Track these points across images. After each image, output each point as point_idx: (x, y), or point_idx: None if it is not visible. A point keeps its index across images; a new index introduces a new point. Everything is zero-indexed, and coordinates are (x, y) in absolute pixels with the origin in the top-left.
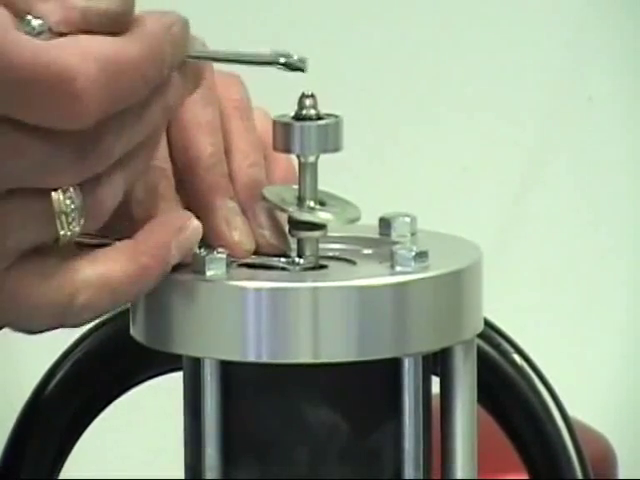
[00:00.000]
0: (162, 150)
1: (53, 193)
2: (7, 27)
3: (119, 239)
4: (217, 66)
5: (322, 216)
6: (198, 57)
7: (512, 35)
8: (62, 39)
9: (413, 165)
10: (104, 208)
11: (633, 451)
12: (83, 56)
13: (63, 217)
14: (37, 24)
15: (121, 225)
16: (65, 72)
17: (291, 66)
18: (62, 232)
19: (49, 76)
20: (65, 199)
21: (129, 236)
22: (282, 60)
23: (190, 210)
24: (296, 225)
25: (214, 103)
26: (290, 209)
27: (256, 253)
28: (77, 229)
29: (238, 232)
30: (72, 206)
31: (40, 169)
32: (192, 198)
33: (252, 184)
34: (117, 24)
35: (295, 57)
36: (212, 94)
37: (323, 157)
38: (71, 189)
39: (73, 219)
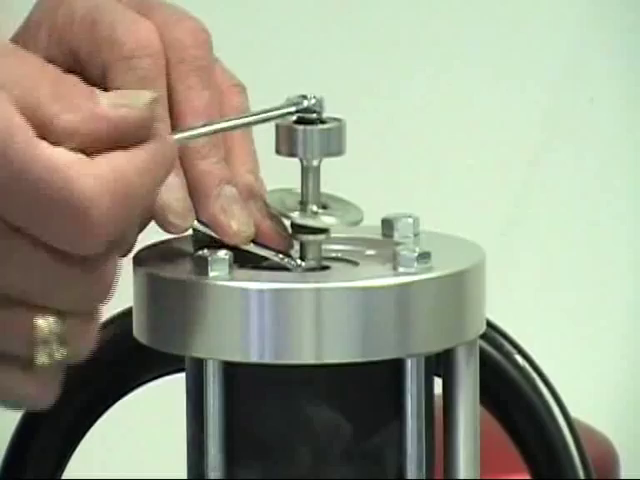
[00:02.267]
0: None
1: (39, 320)
2: (27, 138)
3: None
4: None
5: (325, 221)
6: (221, 130)
7: (514, 36)
8: (79, 158)
9: (416, 166)
10: (89, 337)
11: (635, 451)
12: (99, 185)
13: (43, 345)
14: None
15: None
16: (80, 200)
17: (309, 110)
18: (40, 360)
19: (63, 200)
20: (49, 326)
21: None
22: (300, 107)
23: (190, 198)
24: (299, 229)
25: (211, 87)
26: (293, 215)
27: (261, 245)
28: (58, 357)
29: (236, 221)
30: (54, 334)
31: (44, 286)
32: (190, 186)
33: (248, 187)
34: (141, 133)
35: (312, 100)
36: (208, 76)
37: (326, 158)
38: (52, 318)
39: (53, 349)
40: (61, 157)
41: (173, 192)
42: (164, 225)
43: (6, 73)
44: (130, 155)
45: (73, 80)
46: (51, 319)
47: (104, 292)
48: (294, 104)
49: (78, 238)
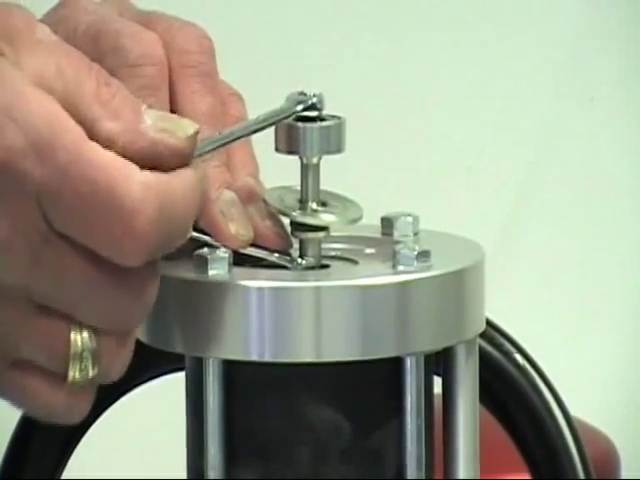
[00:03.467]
0: None
1: (73, 334)
2: (77, 136)
3: None
4: (222, 76)
5: (325, 218)
6: (228, 142)
7: (514, 36)
8: (128, 163)
9: (415, 165)
10: (122, 357)
11: (635, 451)
12: (147, 192)
13: (75, 361)
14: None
15: None
16: (127, 204)
17: (311, 108)
18: (71, 375)
19: (110, 202)
20: (83, 341)
21: None
22: (300, 107)
23: None
24: (298, 227)
25: (214, 92)
26: (293, 213)
27: (260, 247)
28: (89, 374)
29: (235, 224)
30: (87, 350)
31: (82, 297)
32: None
33: (248, 190)
34: (176, 162)
35: (313, 98)
36: (212, 82)
37: (325, 156)
38: (87, 332)
39: (85, 365)
40: (110, 159)
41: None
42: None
43: (51, 67)
44: (174, 174)
45: (120, 86)
46: (86, 335)
47: (140, 311)
48: (299, 102)
49: (121, 244)
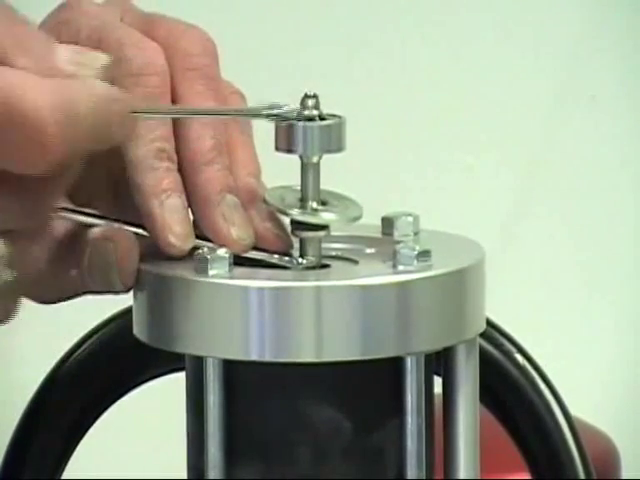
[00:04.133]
0: (168, 143)
1: None
2: None
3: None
4: (224, 76)
5: (325, 217)
6: (187, 114)
7: (515, 34)
8: (23, 76)
9: (416, 164)
10: (35, 256)
11: (636, 450)
12: (45, 99)
13: None
14: None
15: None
16: (30, 115)
17: (281, 117)
18: None
19: (14, 119)
20: None
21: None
22: (274, 112)
23: (190, 205)
24: (299, 226)
25: (217, 95)
26: (293, 212)
27: (260, 249)
28: (5, 278)
29: (236, 228)
30: None
31: None
32: (191, 192)
33: (249, 190)
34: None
35: (285, 108)
36: (215, 85)
37: (326, 155)
38: None
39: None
40: (8, 77)
41: (175, 213)
42: (164, 246)
43: None
44: (73, 79)
45: (31, 26)
46: None
47: (47, 209)
48: (271, 107)
49: (30, 156)
